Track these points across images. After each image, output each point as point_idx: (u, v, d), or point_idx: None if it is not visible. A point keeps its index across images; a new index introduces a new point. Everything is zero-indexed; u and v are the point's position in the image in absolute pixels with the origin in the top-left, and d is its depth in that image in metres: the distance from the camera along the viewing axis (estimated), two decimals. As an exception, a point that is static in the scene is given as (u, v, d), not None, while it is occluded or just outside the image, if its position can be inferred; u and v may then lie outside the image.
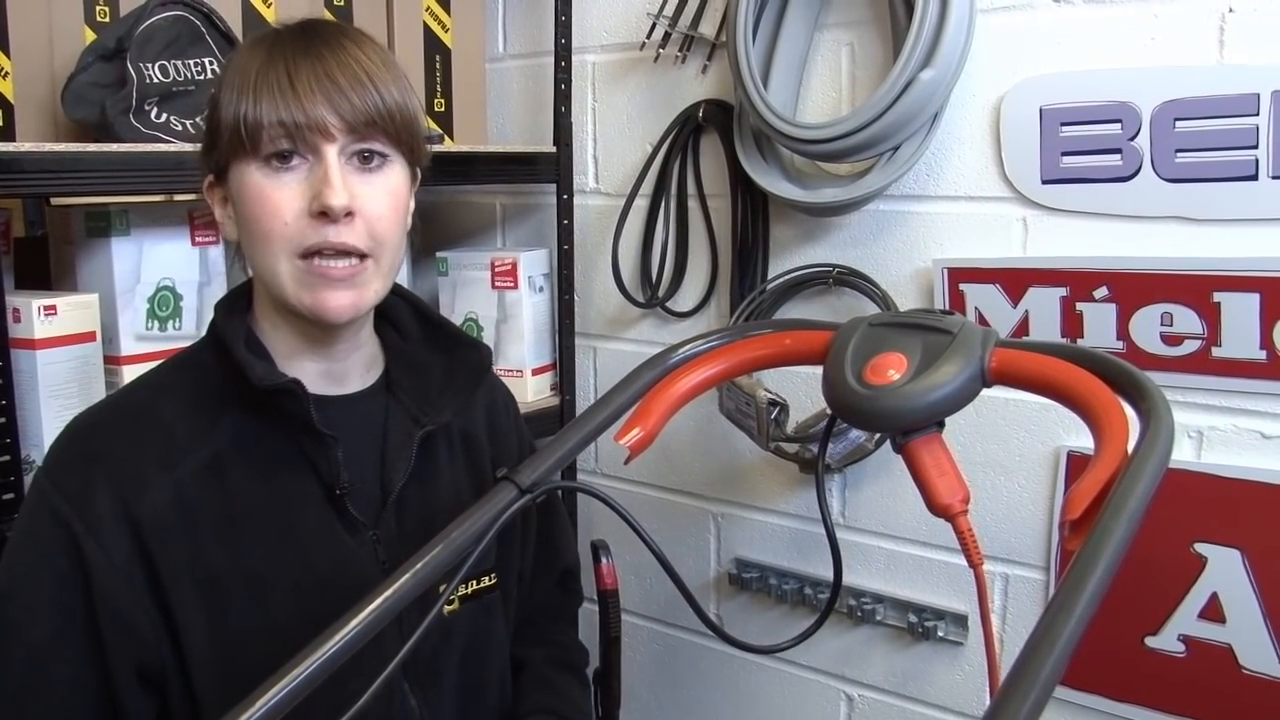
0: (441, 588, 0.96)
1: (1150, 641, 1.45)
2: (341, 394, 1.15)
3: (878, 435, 1.56)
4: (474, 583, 1.20)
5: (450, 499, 1.16)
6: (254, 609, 1.05)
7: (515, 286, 1.90)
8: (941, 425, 0.96)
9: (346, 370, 1.16)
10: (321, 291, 1.03)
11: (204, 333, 1.15)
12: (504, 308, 1.91)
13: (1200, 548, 1.40)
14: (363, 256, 1.04)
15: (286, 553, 1.07)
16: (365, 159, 1.05)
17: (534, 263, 1.93)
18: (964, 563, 0.94)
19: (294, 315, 1.09)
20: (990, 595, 1.58)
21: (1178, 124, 1.34)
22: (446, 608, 1.16)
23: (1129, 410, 0.87)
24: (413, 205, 1.14)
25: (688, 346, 1.08)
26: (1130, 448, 0.81)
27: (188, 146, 1.43)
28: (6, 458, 1.24)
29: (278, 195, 1.02)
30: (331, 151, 1.02)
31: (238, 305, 1.13)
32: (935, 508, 0.95)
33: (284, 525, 1.08)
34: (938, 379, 0.92)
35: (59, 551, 1.01)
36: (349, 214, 1.02)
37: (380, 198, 1.05)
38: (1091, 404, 0.86)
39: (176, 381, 1.12)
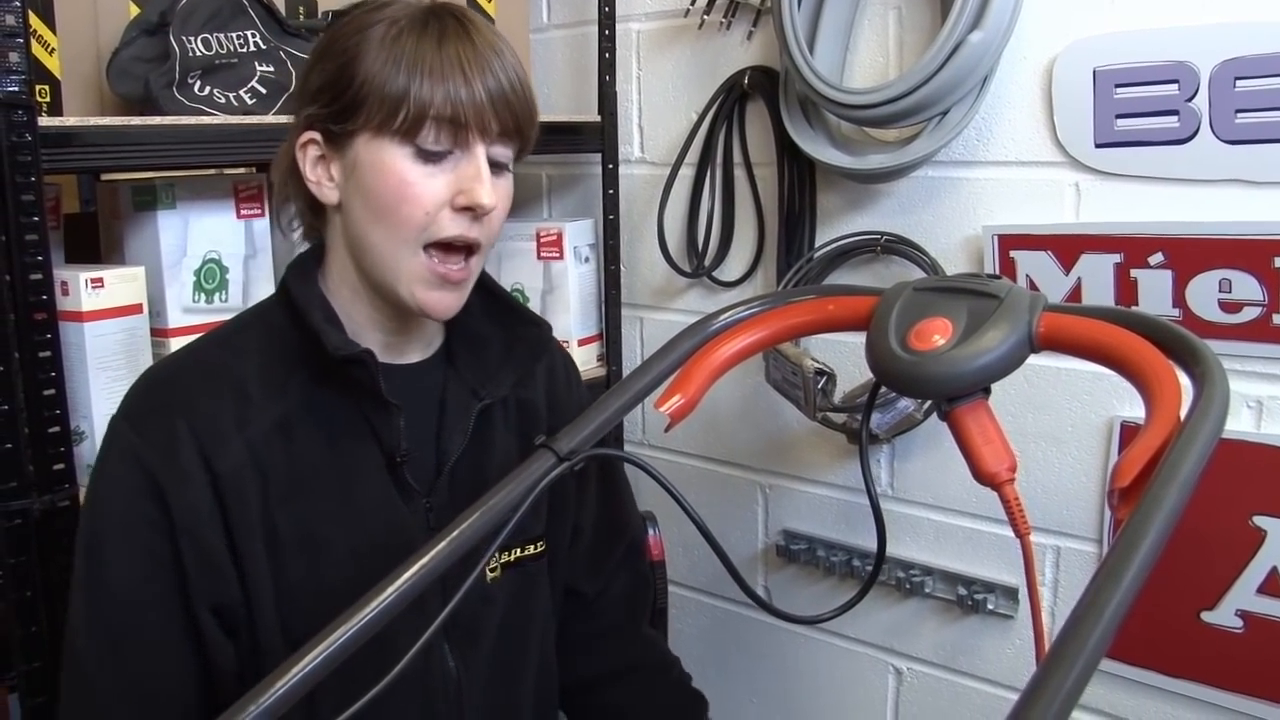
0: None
1: (1207, 616, 1.42)
2: (404, 364, 1.17)
3: (926, 404, 1.54)
4: (517, 550, 1.21)
5: (502, 467, 1.17)
6: (311, 569, 1.08)
7: (561, 257, 1.90)
8: (988, 392, 0.94)
9: (410, 342, 1.17)
10: (435, 292, 1.07)
11: (249, 304, 1.16)
12: (550, 278, 1.91)
13: (1259, 520, 1.36)
14: (475, 251, 1.08)
15: (344, 516, 1.09)
16: (495, 167, 1.07)
17: (579, 233, 1.92)
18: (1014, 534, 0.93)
19: (376, 293, 1.11)
20: (1041, 568, 1.56)
21: (1238, 83, 1.30)
22: (488, 574, 1.17)
23: (1182, 376, 0.84)
24: None
25: (729, 313, 1.06)
26: (1183, 414, 0.79)
27: (232, 119, 1.43)
28: (56, 429, 1.25)
29: (424, 187, 1.03)
30: (482, 151, 1.05)
31: (311, 271, 1.14)
32: (981, 476, 0.93)
33: (344, 489, 1.10)
34: (984, 344, 0.90)
35: (147, 498, 1.03)
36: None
37: (505, 200, 1.09)
38: (1143, 369, 0.83)
39: (247, 341, 1.13)
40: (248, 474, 1.05)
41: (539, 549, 1.23)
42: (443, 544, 0.79)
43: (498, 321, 1.22)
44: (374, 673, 0.77)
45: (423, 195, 1.03)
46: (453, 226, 1.04)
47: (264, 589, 1.06)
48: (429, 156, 1.03)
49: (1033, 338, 0.91)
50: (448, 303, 1.08)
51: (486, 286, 1.23)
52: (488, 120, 1.03)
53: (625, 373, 1.96)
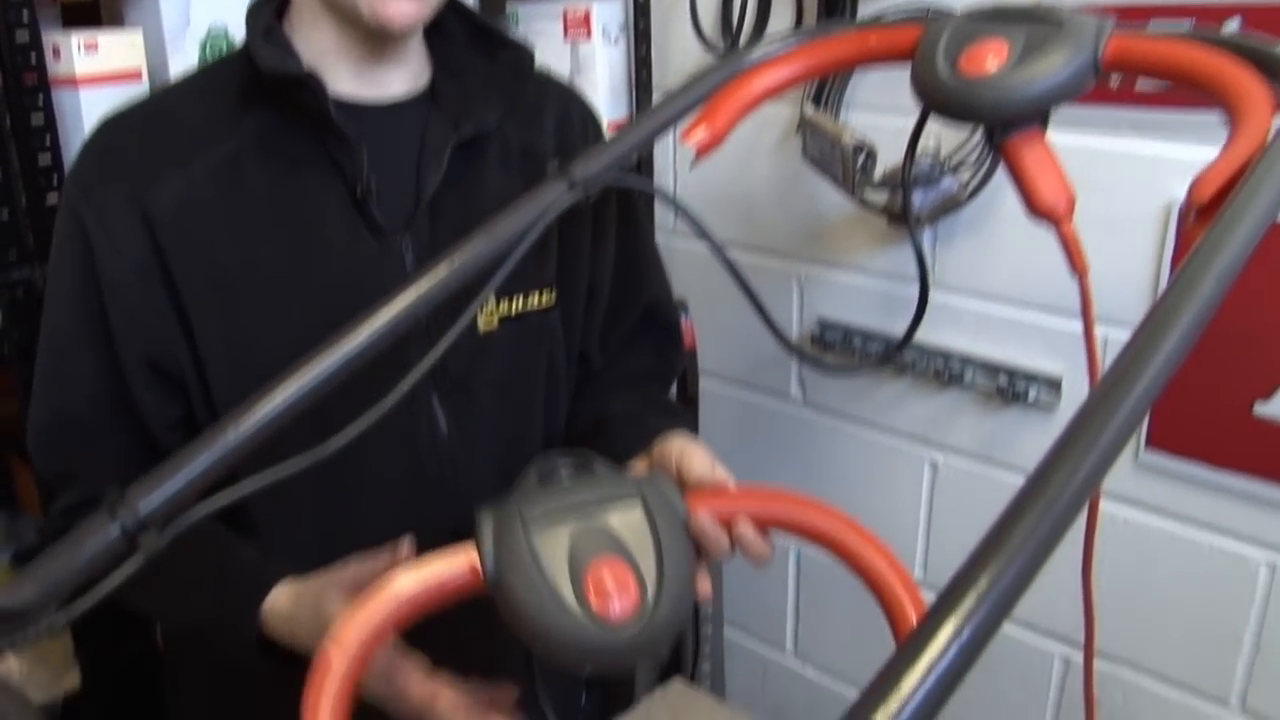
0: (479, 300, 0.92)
1: (1260, 409, 1.36)
2: (380, 101, 1.10)
3: (970, 183, 1.45)
4: (519, 302, 1.13)
5: (496, 209, 1.10)
6: (270, 308, 1.03)
7: (589, 38, 1.81)
8: (1045, 121, 0.86)
9: (386, 71, 1.09)
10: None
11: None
12: (577, 60, 1.83)
13: (1321, 307, 1.29)
14: None
15: (305, 252, 1.05)
16: None
17: (608, 12, 1.82)
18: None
19: (340, 18, 1.04)
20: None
21: None
22: (483, 327, 1.10)
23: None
24: None
25: (763, 48, 0.98)
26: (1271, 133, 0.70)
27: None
28: (54, 197, 1.22)
29: None
30: None
31: (269, 2, 1.08)
32: (1037, 209, 0.85)
33: (303, 225, 1.05)
34: (1044, 67, 0.81)
35: (75, 241, 1.02)
36: None
37: None
38: (1225, 82, 0.75)
39: (206, 81, 1.09)
40: (188, 213, 1.01)
41: (546, 302, 1.15)
42: (440, 269, 0.73)
43: (480, 50, 1.15)
44: (352, 421, 0.73)
45: None
46: None
47: (215, 332, 1.03)
48: None
49: (1098, 60, 0.82)
50: (404, 9, 0.99)
51: (468, 16, 1.15)
52: None
53: (657, 155, 1.87)
